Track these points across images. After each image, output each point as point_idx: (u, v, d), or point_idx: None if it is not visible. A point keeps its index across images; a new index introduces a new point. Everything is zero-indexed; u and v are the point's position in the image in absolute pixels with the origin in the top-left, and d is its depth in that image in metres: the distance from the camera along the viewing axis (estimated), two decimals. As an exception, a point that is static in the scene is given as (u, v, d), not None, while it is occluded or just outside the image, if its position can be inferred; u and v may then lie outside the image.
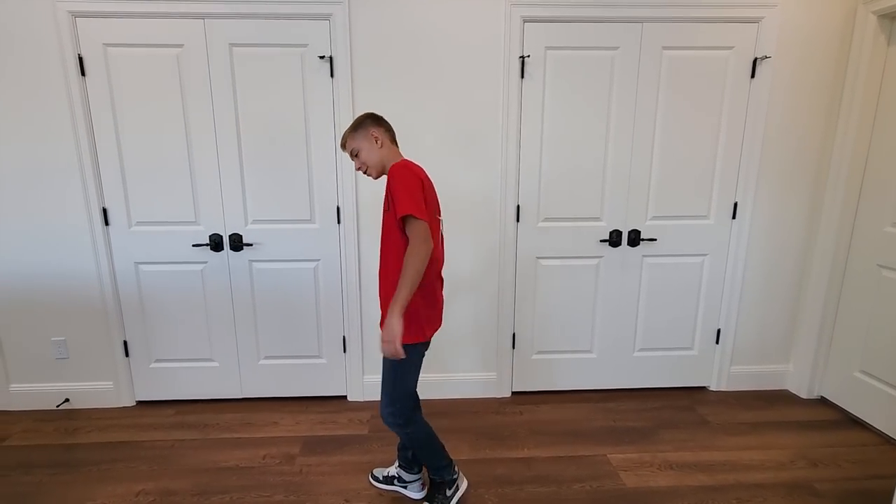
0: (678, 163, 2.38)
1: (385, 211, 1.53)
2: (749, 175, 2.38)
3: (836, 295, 2.43)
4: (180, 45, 2.13)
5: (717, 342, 2.61)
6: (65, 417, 2.40)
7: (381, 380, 1.62)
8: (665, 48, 2.25)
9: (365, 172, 1.62)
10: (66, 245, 2.29)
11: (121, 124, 2.19)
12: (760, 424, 2.34)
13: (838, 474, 1.97)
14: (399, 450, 1.85)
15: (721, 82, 2.30)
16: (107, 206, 2.27)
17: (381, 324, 1.50)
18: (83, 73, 2.12)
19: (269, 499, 1.84)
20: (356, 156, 1.60)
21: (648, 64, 2.27)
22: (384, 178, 1.58)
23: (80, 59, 2.11)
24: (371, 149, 1.58)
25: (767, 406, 2.51)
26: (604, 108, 2.31)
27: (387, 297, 1.53)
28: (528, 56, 2.21)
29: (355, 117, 1.66)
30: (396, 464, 1.88)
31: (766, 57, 2.25)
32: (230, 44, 2.14)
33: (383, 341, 1.42)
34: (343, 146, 1.63)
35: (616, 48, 2.24)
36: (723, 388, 2.66)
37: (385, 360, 1.56)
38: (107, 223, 2.29)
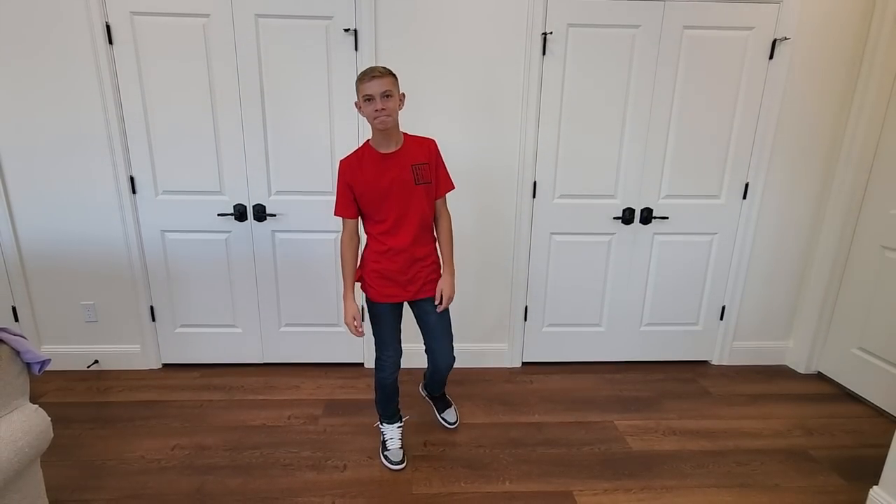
0: (693, 142, 2.42)
1: (424, 182, 1.67)
2: (762, 156, 2.43)
3: (839, 275, 2.52)
4: (207, 15, 2.14)
5: (722, 318, 2.71)
6: (95, 378, 2.51)
7: (441, 333, 1.84)
8: (686, 27, 2.27)
9: (376, 119, 1.55)
10: (95, 212, 2.35)
11: (147, 93, 2.22)
12: (759, 396, 2.45)
13: (832, 442, 2.09)
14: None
15: (739, 63, 2.33)
16: (134, 175, 2.32)
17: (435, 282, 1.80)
18: (110, 42, 2.15)
19: (297, 454, 1.95)
20: (387, 97, 1.54)
21: (668, 43, 2.29)
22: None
23: (108, 28, 2.13)
24: (397, 103, 1.60)
25: (766, 380, 2.62)
26: (622, 87, 2.34)
27: (435, 262, 1.81)
28: (551, 33, 2.24)
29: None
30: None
31: (786, 38, 2.27)
32: (256, 14, 2.15)
33: (451, 297, 1.78)
34: (375, 77, 1.52)
35: (637, 27, 2.26)
36: (724, 363, 2.77)
37: (445, 311, 1.82)
38: (134, 191, 2.35)
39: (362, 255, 1.81)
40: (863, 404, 2.39)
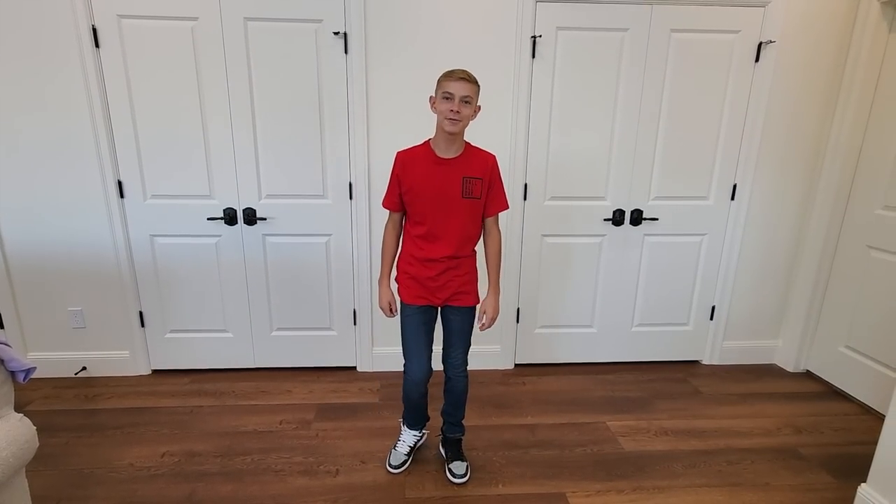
0: (681, 144, 2.44)
1: (472, 197, 1.63)
2: (749, 157, 2.46)
3: (826, 274, 2.55)
4: (195, 18, 2.13)
5: (712, 318, 2.73)
6: (83, 384, 2.47)
7: (457, 340, 1.79)
8: (673, 30, 2.30)
9: (447, 119, 1.53)
10: (82, 217, 2.32)
11: (135, 97, 2.20)
12: (749, 395, 2.48)
13: (821, 440, 2.11)
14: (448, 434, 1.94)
15: (726, 66, 2.36)
16: (122, 179, 2.30)
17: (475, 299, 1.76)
18: (97, 45, 2.12)
19: (288, 460, 1.94)
20: (466, 102, 1.53)
21: (656, 46, 2.31)
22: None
23: (94, 31, 2.10)
24: (472, 110, 1.58)
25: (756, 379, 2.65)
26: (611, 90, 2.36)
27: (472, 268, 1.76)
28: (540, 36, 2.25)
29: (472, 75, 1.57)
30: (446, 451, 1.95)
31: (771, 41, 2.30)
32: (245, 17, 2.14)
33: (495, 318, 1.74)
34: (462, 78, 1.52)
35: (626, 30, 2.28)
36: (715, 362, 2.79)
37: (468, 322, 1.78)
38: (122, 196, 2.32)
39: (399, 256, 1.78)
40: (851, 402, 2.42)
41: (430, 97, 1.61)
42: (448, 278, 1.71)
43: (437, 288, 1.72)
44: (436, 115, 1.58)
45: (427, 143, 1.67)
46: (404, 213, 1.74)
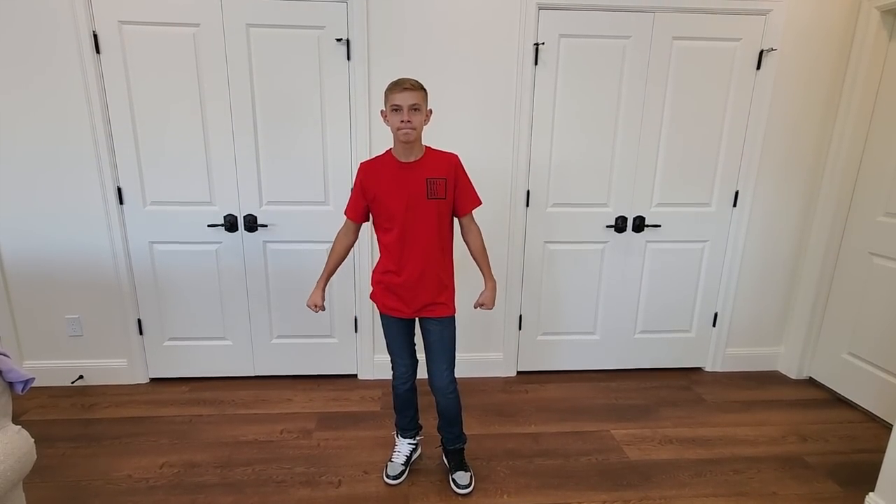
0: (684, 151, 2.45)
1: (437, 197, 1.63)
2: (751, 164, 2.46)
3: (828, 281, 2.55)
4: (197, 25, 2.12)
5: (714, 325, 2.73)
6: (80, 394, 2.44)
7: (438, 353, 1.76)
8: (675, 38, 2.30)
9: (400, 131, 1.54)
10: (81, 224, 2.30)
11: (136, 103, 2.19)
12: (753, 403, 2.46)
13: (827, 448, 2.10)
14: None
15: (728, 73, 2.36)
16: (121, 185, 2.28)
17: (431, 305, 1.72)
18: (98, 51, 2.11)
19: (290, 470, 1.91)
20: (415, 110, 1.53)
21: (658, 54, 2.32)
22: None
23: (95, 37, 2.09)
24: (424, 117, 1.58)
25: (759, 386, 2.64)
26: (614, 97, 2.36)
27: (446, 273, 1.74)
28: (543, 43, 2.25)
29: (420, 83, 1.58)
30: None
31: (772, 49, 2.31)
32: (247, 24, 2.14)
33: (491, 303, 1.78)
34: (407, 88, 1.51)
35: (628, 37, 2.29)
36: (717, 369, 2.78)
37: (447, 334, 1.75)
38: (121, 202, 2.30)
39: (374, 267, 1.78)
40: (855, 409, 2.41)
41: (381, 111, 1.62)
42: (422, 287, 1.69)
43: (411, 298, 1.70)
44: (389, 128, 1.59)
45: (388, 151, 1.68)
46: (359, 225, 1.76)
